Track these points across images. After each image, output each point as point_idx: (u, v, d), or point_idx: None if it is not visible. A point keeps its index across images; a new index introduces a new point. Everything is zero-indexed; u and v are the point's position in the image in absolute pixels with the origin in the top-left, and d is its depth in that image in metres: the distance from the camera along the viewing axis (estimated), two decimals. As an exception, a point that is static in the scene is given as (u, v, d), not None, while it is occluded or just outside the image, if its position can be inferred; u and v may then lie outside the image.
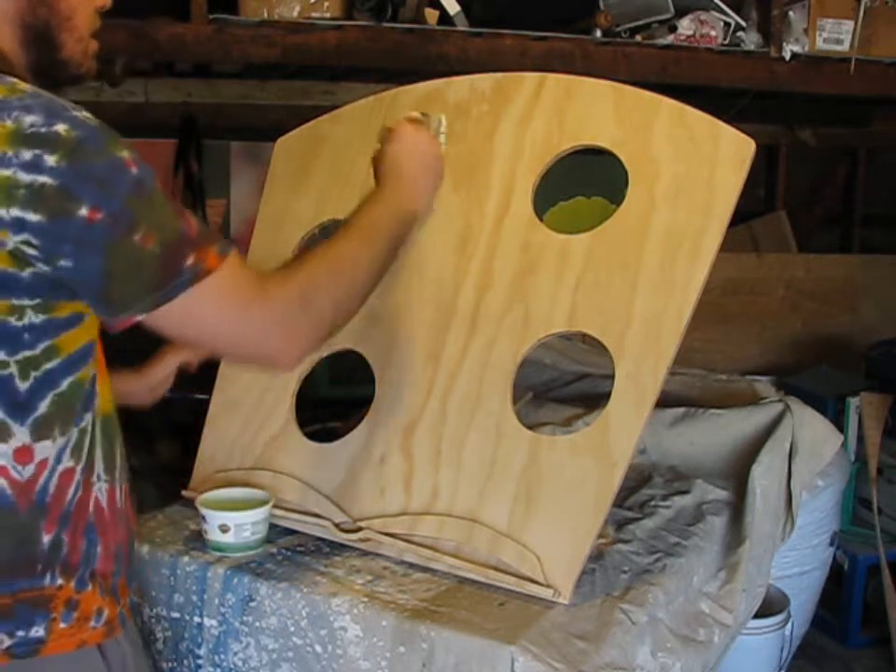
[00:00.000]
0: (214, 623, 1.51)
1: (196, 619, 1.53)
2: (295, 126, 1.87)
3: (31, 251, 0.99)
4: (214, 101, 3.03)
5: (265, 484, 1.65)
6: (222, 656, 1.51)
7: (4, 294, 1.01)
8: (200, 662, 1.53)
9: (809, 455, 2.09)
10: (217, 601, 1.51)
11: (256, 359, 1.18)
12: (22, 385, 1.04)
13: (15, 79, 1.05)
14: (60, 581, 1.08)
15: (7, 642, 1.06)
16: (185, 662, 1.53)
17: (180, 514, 1.70)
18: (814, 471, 2.15)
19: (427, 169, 1.47)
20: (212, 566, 1.53)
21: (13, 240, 0.98)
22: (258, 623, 1.48)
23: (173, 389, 1.68)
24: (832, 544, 2.45)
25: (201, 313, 1.07)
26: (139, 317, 1.05)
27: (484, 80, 1.68)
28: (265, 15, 2.34)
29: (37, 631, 1.07)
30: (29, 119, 0.99)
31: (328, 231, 1.80)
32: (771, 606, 2.12)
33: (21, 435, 1.05)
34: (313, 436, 1.71)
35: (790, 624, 2.18)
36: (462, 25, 2.48)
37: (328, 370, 2.46)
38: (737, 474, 2.00)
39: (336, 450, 1.65)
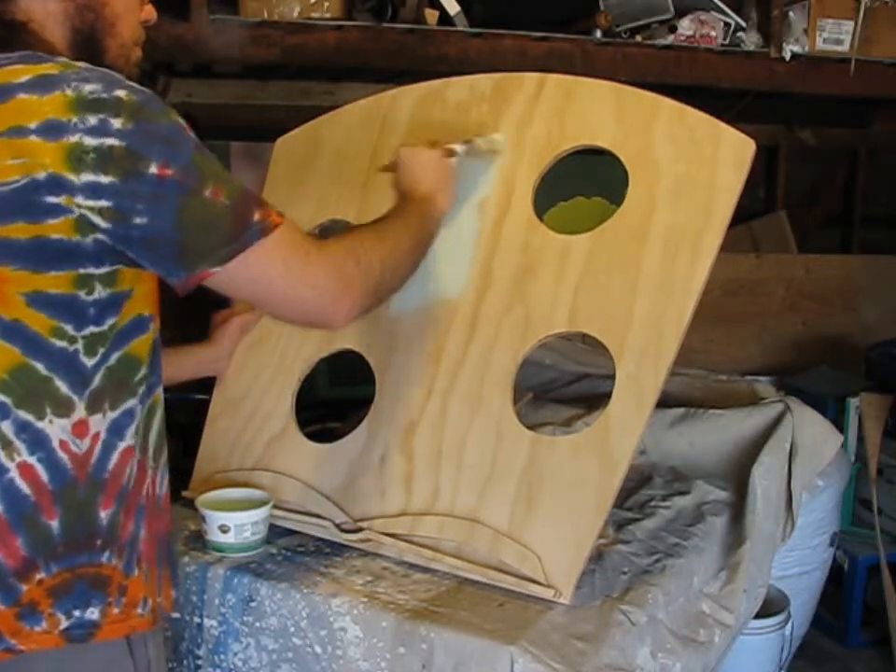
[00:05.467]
0: (214, 623, 1.51)
1: (196, 619, 1.53)
2: (295, 126, 1.87)
3: (97, 218, 1.02)
4: (214, 101, 3.03)
5: (265, 485, 1.65)
6: (222, 656, 1.51)
7: (69, 264, 1.04)
8: (199, 662, 1.53)
9: (809, 455, 2.09)
10: (217, 601, 1.51)
11: (312, 314, 1.20)
12: (89, 361, 1.08)
13: (69, 60, 1.09)
14: (114, 561, 1.11)
15: (64, 623, 1.08)
16: (185, 662, 1.53)
17: (180, 515, 1.69)
18: (814, 472, 2.15)
19: (442, 188, 1.53)
20: (212, 566, 1.53)
21: (83, 206, 1.01)
22: (258, 624, 1.48)
23: (173, 389, 1.69)
24: (832, 544, 2.45)
25: (267, 265, 1.11)
26: (213, 270, 1.08)
27: (484, 81, 1.68)
28: (265, 15, 2.34)
29: (92, 613, 1.09)
30: (88, 87, 1.03)
31: (328, 232, 1.80)
32: (771, 606, 2.12)
33: (79, 409, 1.08)
34: (313, 436, 1.71)
35: (790, 625, 2.18)
36: (462, 26, 2.47)
37: (328, 370, 2.46)
38: (737, 475, 2.00)
39: (336, 450, 1.65)
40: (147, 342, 1.14)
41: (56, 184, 1.01)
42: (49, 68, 1.05)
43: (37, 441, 1.07)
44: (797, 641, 2.36)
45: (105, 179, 1.01)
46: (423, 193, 1.47)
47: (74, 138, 1.00)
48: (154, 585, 1.18)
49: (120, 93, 1.03)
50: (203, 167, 1.06)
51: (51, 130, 1.01)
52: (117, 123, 1.01)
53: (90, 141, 1.00)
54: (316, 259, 1.16)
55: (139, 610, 1.14)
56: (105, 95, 1.02)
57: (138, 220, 1.03)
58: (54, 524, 1.07)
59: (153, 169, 1.02)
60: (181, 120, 1.08)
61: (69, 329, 1.06)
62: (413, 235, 1.39)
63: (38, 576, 1.07)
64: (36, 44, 1.13)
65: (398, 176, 1.52)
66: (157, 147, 1.03)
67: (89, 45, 1.17)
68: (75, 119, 1.01)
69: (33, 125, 1.01)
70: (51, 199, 1.01)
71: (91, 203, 1.01)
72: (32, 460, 1.07)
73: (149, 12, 1.26)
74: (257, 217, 1.10)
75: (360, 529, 1.56)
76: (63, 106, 1.01)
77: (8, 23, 1.13)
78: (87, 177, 1.01)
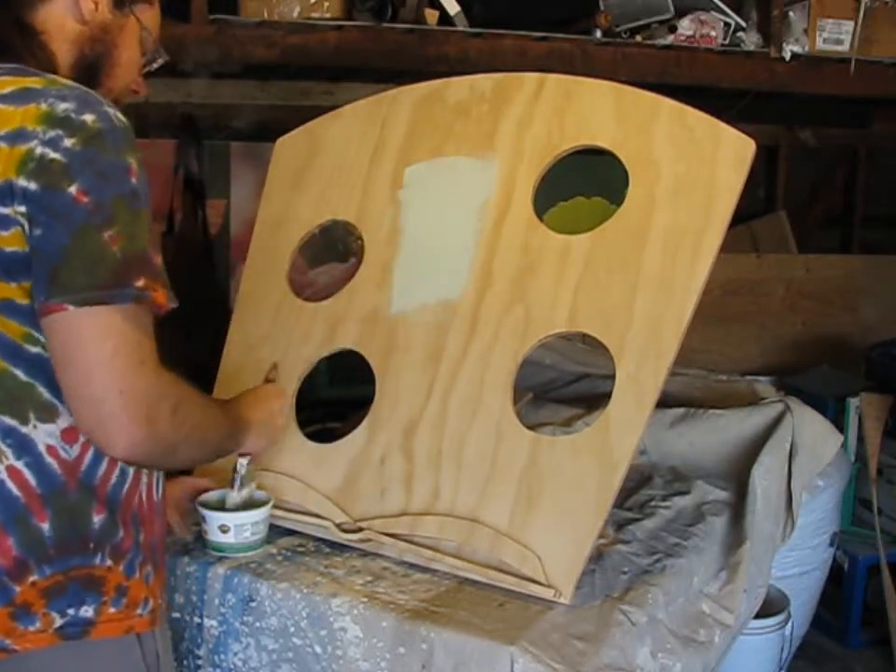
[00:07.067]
0: (214, 623, 1.51)
1: (196, 619, 1.53)
2: (295, 126, 1.87)
3: (27, 225, 1.03)
4: (214, 101, 3.03)
5: (265, 485, 1.65)
6: (222, 656, 1.51)
7: (26, 276, 1.05)
8: (200, 662, 1.53)
9: (809, 455, 2.09)
10: (217, 601, 1.51)
11: (102, 420, 1.05)
12: None
13: (59, 77, 1.12)
14: (109, 563, 1.12)
15: (59, 622, 1.09)
16: (185, 662, 1.53)
17: (180, 515, 1.70)
18: (814, 472, 2.15)
19: (273, 425, 1.55)
20: (212, 566, 1.53)
21: (19, 212, 1.03)
22: (258, 624, 1.48)
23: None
24: (832, 544, 2.45)
25: (106, 336, 1.03)
26: (67, 307, 1.02)
27: (484, 81, 1.68)
28: (265, 15, 2.34)
29: (87, 611, 1.11)
30: (63, 105, 1.05)
31: (328, 231, 1.80)
32: (771, 606, 2.12)
33: (66, 415, 1.09)
34: (313, 436, 1.71)
35: (790, 624, 2.18)
36: (462, 26, 2.47)
37: (328, 370, 2.46)
38: (738, 475, 2.00)
39: (336, 450, 1.65)
40: None
41: (7, 192, 1.02)
42: (33, 82, 1.08)
43: (23, 446, 1.08)
44: (797, 641, 2.36)
45: (32, 186, 1.02)
46: (255, 418, 1.48)
47: (30, 144, 1.03)
48: (156, 587, 1.19)
49: (88, 117, 1.05)
50: (117, 212, 1.04)
51: (17, 137, 1.03)
52: (68, 142, 1.03)
53: (39, 150, 1.03)
54: (147, 373, 1.06)
55: (139, 611, 1.15)
56: (73, 115, 1.04)
57: (36, 231, 1.03)
58: (45, 526, 1.09)
59: (72, 190, 1.02)
60: (131, 162, 1.07)
61: (40, 337, 1.07)
62: (224, 436, 1.32)
63: (31, 578, 1.08)
64: (39, 53, 1.16)
65: (256, 392, 1.57)
66: (88, 175, 1.03)
67: (88, 72, 1.21)
68: (38, 130, 1.03)
69: (2, 132, 1.04)
70: (2, 210, 1.03)
71: (21, 208, 1.03)
72: (19, 465, 1.08)
73: (141, 84, 1.31)
74: (140, 283, 1.05)
75: (360, 529, 1.56)
76: (34, 118, 1.04)
77: (23, 25, 1.17)
78: (22, 183, 1.02)
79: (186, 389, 1.15)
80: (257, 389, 1.60)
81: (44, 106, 1.05)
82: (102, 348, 1.03)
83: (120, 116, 1.08)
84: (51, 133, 1.03)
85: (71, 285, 1.03)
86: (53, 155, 1.02)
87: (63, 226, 1.03)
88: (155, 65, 1.33)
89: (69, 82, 1.11)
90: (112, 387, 1.04)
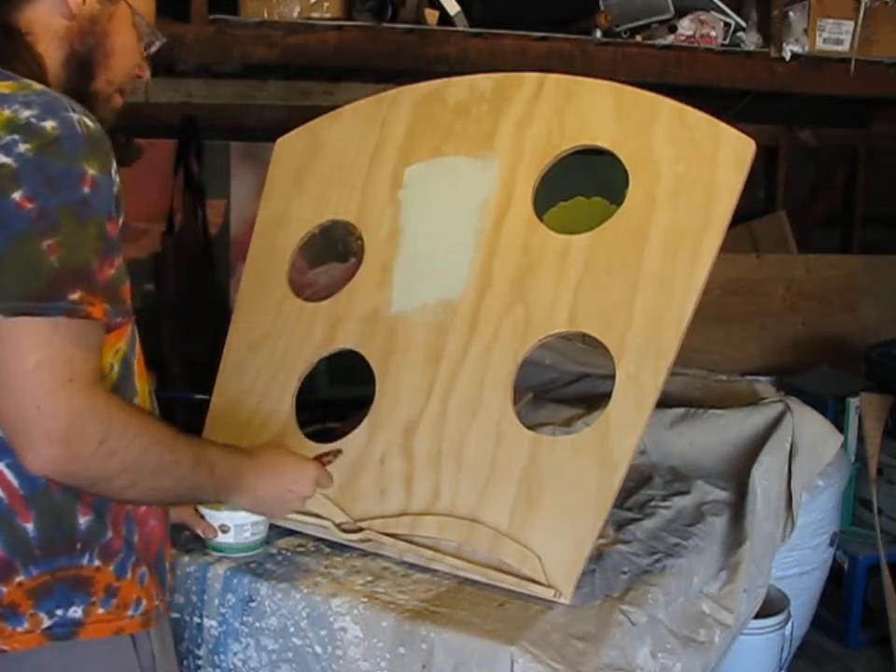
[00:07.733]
0: (214, 623, 1.51)
1: (196, 619, 1.53)
2: (295, 126, 1.87)
3: None
4: (214, 101, 3.03)
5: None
6: (222, 657, 1.51)
7: None
8: (199, 662, 1.53)
9: (809, 455, 2.09)
10: (217, 601, 1.51)
11: (19, 430, 1.01)
12: None
13: (33, 82, 1.09)
14: (98, 563, 1.11)
15: (47, 622, 1.09)
16: (185, 662, 1.53)
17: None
18: (814, 472, 2.15)
19: (282, 504, 1.43)
20: (212, 566, 1.53)
21: None
22: (258, 624, 1.48)
23: (173, 390, 1.68)
24: (832, 544, 2.45)
25: (31, 349, 0.99)
26: None
27: (484, 81, 1.68)
28: (265, 15, 2.34)
29: (75, 611, 1.10)
30: (27, 112, 1.03)
31: (328, 231, 1.80)
32: (771, 606, 2.12)
33: None
34: (313, 436, 1.71)
35: (790, 624, 2.18)
36: (462, 26, 2.48)
37: (328, 370, 2.47)
38: (738, 475, 2.00)
39: (336, 450, 1.64)
40: (116, 356, 1.13)
41: None
42: (5, 87, 1.06)
43: (3, 448, 1.06)
44: (797, 641, 2.36)
45: None
46: (260, 489, 1.36)
47: None
48: (151, 588, 1.19)
49: (49, 123, 1.02)
50: (61, 221, 1.01)
51: None
52: (22, 147, 1.00)
53: None
54: (72, 392, 1.00)
55: (130, 612, 1.14)
56: (34, 121, 1.02)
57: None
58: (29, 526, 1.08)
59: (16, 196, 1.00)
60: (89, 171, 1.03)
61: None
62: (193, 488, 1.21)
63: (18, 578, 1.08)
64: (25, 55, 1.14)
65: (300, 465, 1.45)
66: (35, 181, 1.00)
67: (81, 68, 1.19)
68: None
69: None
70: None
71: None
72: (0, 466, 1.07)
73: (143, 68, 1.28)
74: (74, 296, 1.00)
75: (360, 529, 1.56)
76: None
77: (8, 28, 1.15)
78: None
79: (131, 420, 1.07)
80: (294, 460, 1.46)
81: (7, 112, 1.02)
82: (25, 360, 0.99)
83: (88, 122, 1.05)
84: (7, 139, 1.00)
85: (1, 293, 0.99)
86: (4, 160, 1.00)
87: (4, 232, 1.00)
88: (153, 48, 1.30)
89: (41, 87, 1.08)
90: (30, 401, 1.00)
